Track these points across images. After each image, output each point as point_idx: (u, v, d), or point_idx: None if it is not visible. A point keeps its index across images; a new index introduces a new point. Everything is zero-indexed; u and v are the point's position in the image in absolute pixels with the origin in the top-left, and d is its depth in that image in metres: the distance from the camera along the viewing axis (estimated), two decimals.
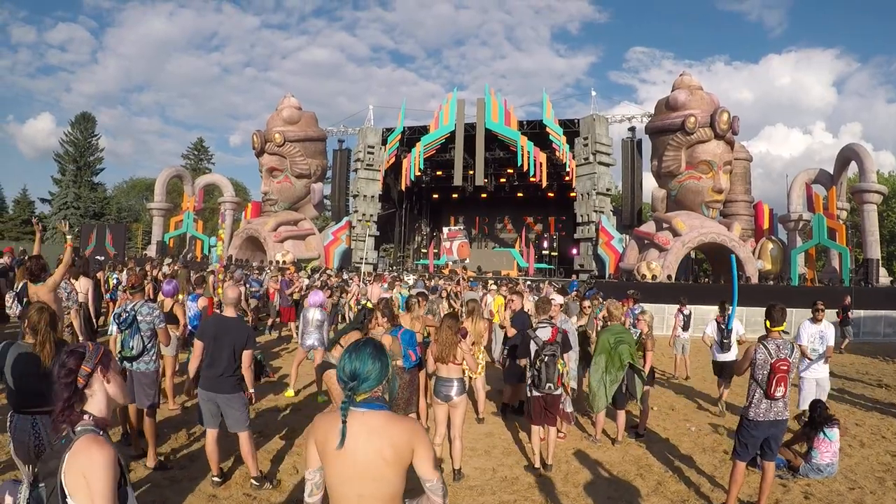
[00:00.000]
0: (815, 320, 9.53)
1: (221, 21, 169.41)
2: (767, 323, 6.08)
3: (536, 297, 17.83)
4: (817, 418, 7.58)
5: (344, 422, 2.58)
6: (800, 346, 9.12)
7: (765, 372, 5.86)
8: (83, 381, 2.54)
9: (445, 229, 44.45)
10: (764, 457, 6.09)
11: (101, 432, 2.46)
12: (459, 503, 6.26)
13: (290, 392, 10.32)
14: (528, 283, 25.42)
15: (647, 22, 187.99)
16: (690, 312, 14.03)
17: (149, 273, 17.14)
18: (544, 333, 7.22)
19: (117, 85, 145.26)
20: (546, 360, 7.02)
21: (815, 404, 7.84)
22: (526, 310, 10.80)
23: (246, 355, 6.22)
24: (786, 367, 5.81)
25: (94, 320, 12.01)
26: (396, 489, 2.64)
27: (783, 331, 6.10)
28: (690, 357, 13.96)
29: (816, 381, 9.19)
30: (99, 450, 2.34)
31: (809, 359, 9.11)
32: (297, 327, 14.26)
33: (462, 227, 44.99)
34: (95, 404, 2.57)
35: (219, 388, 6.14)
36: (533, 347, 7.20)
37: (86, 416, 2.50)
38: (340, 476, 2.61)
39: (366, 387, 2.66)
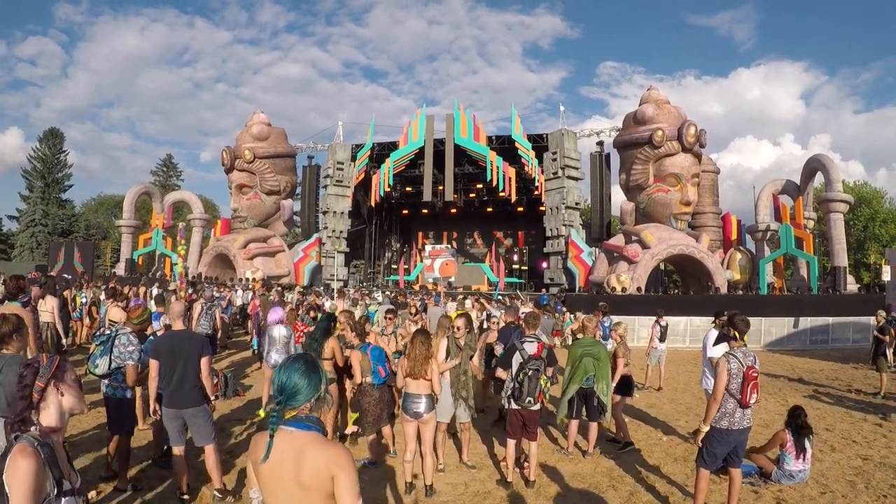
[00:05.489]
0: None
1: (193, 36, 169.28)
2: (736, 334, 6.08)
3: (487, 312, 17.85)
4: (802, 425, 7.59)
5: (271, 436, 2.56)
6: (710, 359, 9.01)
7: (738, 381, 5.83)
8: (37, 395, 2.63)
9: (428, 247, 44.40)
10: (730, 464, 6.09)
11: (37, 442, 2.50)
12: None
13: (262, 412, 10.10)
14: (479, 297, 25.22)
15: (618, 37, 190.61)
16: (667, 324, 14.13)
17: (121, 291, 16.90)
18: (531, 348, 7.17)
19: (87, 100, 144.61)
20: (530, 373, 6.95)
21: (798, 410, 7.81)
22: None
23: (204, 363, 6.18)
24: (756, 374, 5.85)
25: (63, 339, 11.80)
26: None
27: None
28: (665, 368, 14.00)
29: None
30: (22, 460, 2.40)
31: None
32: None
33: (447, 246, 44.90)
34: (48, 416, 2.65)
35: (183, 403, 6.10)
36: (518, 360, 7.14)
37: (33, 428, 2.56)
38: (272, 495, 2.60)
39: (293, 403, 2.62)
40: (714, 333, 9.38)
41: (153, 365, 6.24)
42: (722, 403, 5.95)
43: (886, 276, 29.84)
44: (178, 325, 6.46)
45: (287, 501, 2.56)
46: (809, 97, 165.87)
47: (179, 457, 6.23)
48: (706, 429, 6.03)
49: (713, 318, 10.09)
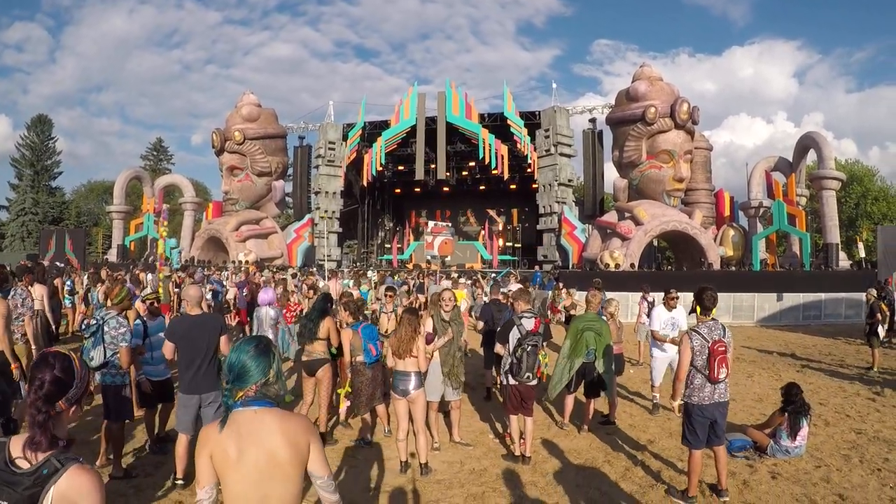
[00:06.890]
0: (667, 307, 9.73)
1: (182, 17, 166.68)
2: (698, 309, 6.08)
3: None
4: (797, 403, 7.58)
5: (226, 411, 2.58)
6: (652, 331, 9.62)
7: (704, 356, 5.85)
8: (65, 406, 2.33)
9: (431, 223, 44.21)
10: (711, 442, 6.07)
11: (81, 458, 2.27)
12: (427, 498, 6.19)
13: None
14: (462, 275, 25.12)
15: (611, 15, 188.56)
16: (654, 299, 14.10)
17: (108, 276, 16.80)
18: (528, 323, 7.16)
19: (76, 85, 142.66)
20: (529, 349, 6.97)
21: (793, 388, 7.78)
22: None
23: (223, 341, 6.17)
24: (723, 349, 5.84)
25: (55, 327, 11.73)
26: (299, 489, 2.61)
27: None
28: None
29: (670, 362, 9.36)
30: (90, 479, 2.19)
31: (661, 342, 9.53)
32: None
33: (448, 224, 44.75)
34: (62, 428, 2.34)
35: (201, 388, 6.07)
36: (515, 335, 7.12)
37: (60, 442, 2.26)
38: (244, 481, 2.52)
39: (240, 384, 2.62)
40: (660, 309, 9.63)
41: (167, 346, 6.27)
42: (690, 380, 5.99)
43: (862, 253, 30.14)
44: (195, 311, 6.40)
45: (265, 483, 2.52)
46: (802, 76, 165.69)
47: (185, 444, 6.16)
48: (677, 402, 6.07)
49: (663, 296, 10.16)
